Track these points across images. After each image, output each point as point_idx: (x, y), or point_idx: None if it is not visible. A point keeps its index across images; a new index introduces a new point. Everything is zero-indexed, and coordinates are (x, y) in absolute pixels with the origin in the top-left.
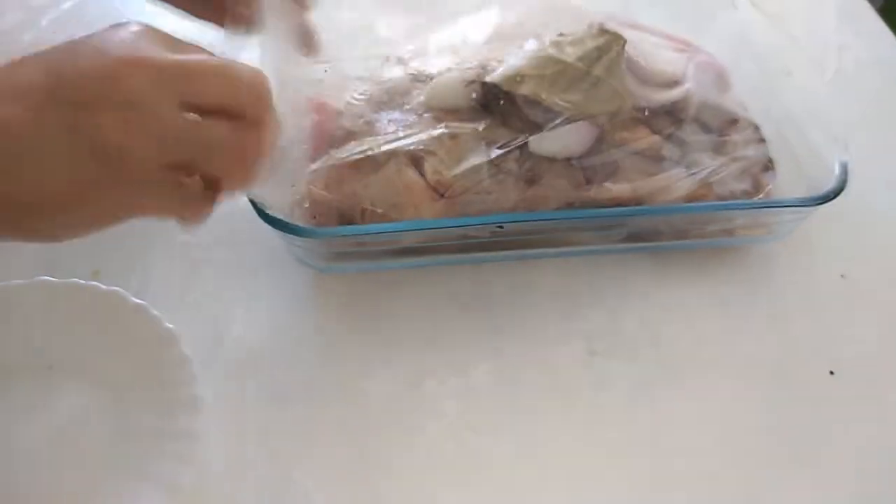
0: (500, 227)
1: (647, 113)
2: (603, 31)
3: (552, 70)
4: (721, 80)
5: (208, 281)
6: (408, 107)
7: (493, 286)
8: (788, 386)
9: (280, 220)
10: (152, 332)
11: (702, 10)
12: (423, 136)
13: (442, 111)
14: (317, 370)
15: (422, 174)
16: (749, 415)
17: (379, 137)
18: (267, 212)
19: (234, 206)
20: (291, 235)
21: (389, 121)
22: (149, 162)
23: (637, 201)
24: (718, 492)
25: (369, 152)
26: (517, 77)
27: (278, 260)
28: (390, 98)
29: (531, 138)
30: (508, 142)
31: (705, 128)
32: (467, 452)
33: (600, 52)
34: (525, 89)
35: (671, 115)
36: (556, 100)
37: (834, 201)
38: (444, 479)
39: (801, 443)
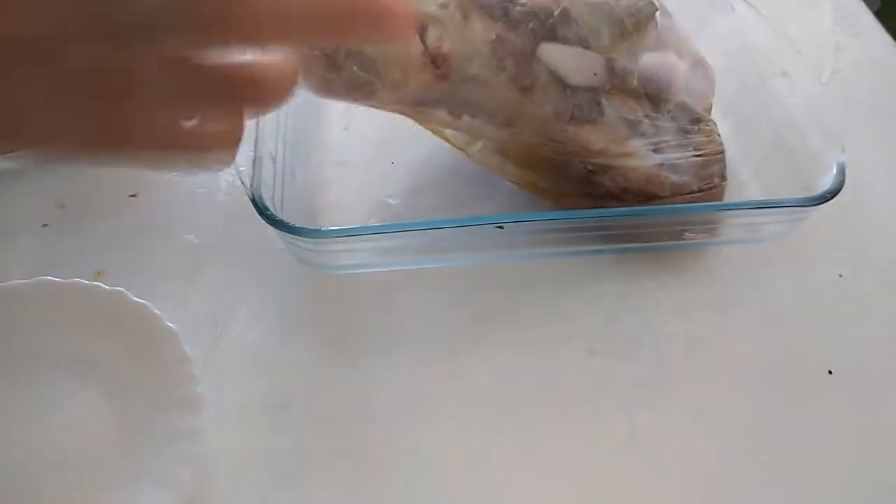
0: (500, 227)
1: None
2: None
3: (597, 1)
4: (708, 80)
5: (209, 281)
6: None
7: (493, 286)
8: (787, 385)
9: (281, 220)
10: (154, 332)
11: (698, 12)
12: (435, 7)
13: None
14: (317, 370)
15: (423, 40)
16: (747, 414)
17: None
18: (267, 212)
19: (236, 207)
20: (292, 236)
21: None
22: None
23: (603, 158)
24: (716, 492)
25: None
26: None
27: (279, 260)
28: None
29: (544, 45)
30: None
31: (674, 120)
32: (467, 453)
33: (635, 13)
34: (565, 5)
35: (653, 101)
36: (589, 27)
37: (831, 202)
38: (444, 480)
39: (800, 442)
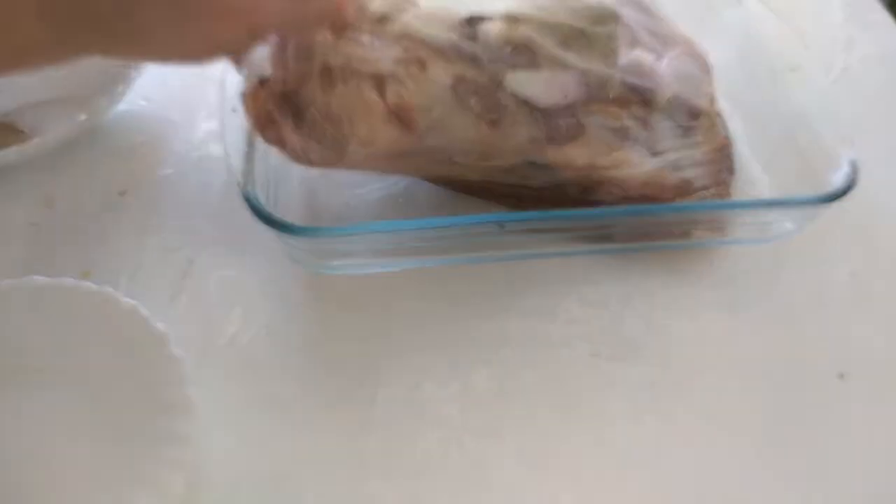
0: (501, 226)
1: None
2: (603, 6)
3: (551, 21)
4: (701, 68)
5: (201, 281)
6: (381, 36)
7: (493, 287)
8: (796, 388)
9: (276, 219)
10: (143, 333)
11: (708, 6)
12: (392, 58)
13: (418, 42)
14: (313, 371)
15: (383, 97)
16: (755, 417)
17: (346, 52)
18: (262, 210)
19: (230, 205)
20: (287, 235)
21: (358, 44)
22: None
23: (592, 173)
24: (723, 495)
25: (332, 62)
26: (515, 18)
27: (274, 260)
28: (363, 26)
29: (510, 75)
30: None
31: (671, 117)
32: (468, 455)
33: (596, 21)
34: (521, 32)
35: (643, 102)
36: (550, 47)
37: (843, 199)
38: (444, 483)
39: (809, 446)
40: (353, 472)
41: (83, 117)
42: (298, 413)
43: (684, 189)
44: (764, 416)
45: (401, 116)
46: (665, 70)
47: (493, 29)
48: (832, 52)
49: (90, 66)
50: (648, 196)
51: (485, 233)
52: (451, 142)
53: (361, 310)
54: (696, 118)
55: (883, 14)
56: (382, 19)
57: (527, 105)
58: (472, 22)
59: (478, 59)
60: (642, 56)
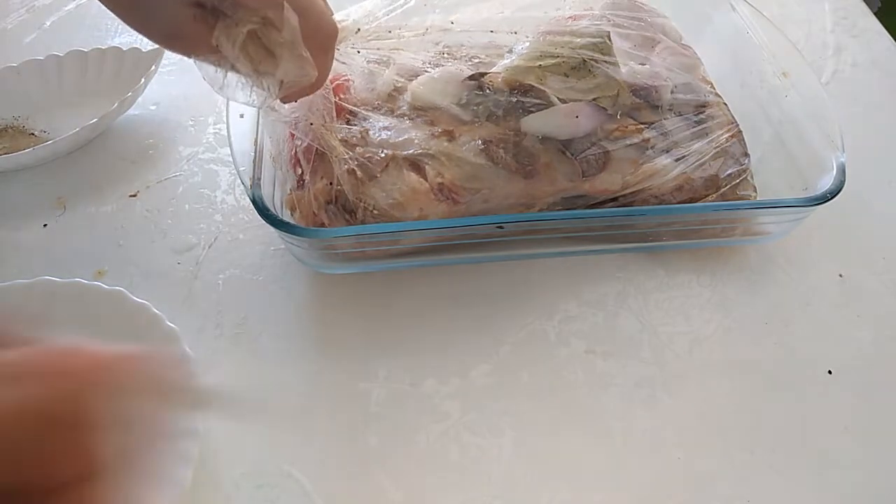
0: (500, 227)
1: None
2: (593, 28)
3: (551, 61)
4: (688, 57)
5: (210, 280)
6: (397, 112)
7: (493, 286)
8: (787, 385)
9: (281, 220)
10: (154, 331)
11: (699, 12)
12: (421, 137)
13: (430, 111)
14: (317, 370)
15: (423, 177)
16: (748, 414)
17: (375, 147)
18: (268, 212)
19: (235, 206)
20: (292, 235)
21: (382, 128)
22: None
23: (626, 191)
24: (716, 491)
25: (369, 157)
26: (521, 67)
27: (279, 260)
28: (378, 104)
29: (524, 119)
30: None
31: (680, 115)
32: (467, 452)
33: (594, 46)
34: (529, 79)
35: (650, 105)
36: (558, 86)
37: (831, 201)
38: (445, 480)
39: (800, 442)
40: (355, 466)
41: (94, 121)
42: (303, 409)
43: (713, 183)
44: (756, 411)
45: (445, 193)
46: (658, 66)
47: (496, 79)
48: (822, 58)
49: (102, 71)
50: (684, 200)
51: (484, 233)
52: (496, 199)
53: (364, 308)
54: (703, 110)
55: (872, 21)
56: (392, 96)
57: (553, 145)
58: (476, 77)
59: (493, 114)
60: (635, 66)
